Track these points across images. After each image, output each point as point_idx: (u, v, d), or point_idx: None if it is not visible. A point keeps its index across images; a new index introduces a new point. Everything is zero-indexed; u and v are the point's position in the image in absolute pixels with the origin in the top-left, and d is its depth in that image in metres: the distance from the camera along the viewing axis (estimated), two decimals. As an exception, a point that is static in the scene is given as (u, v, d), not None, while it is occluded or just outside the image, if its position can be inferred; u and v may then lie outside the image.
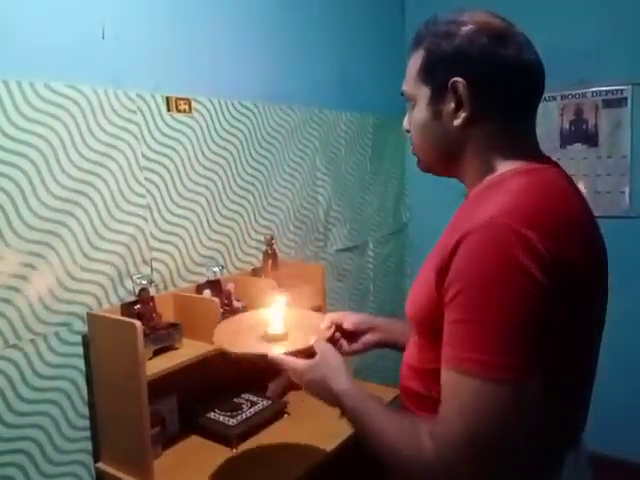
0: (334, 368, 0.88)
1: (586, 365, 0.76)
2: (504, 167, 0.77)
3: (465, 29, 0.76)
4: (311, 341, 0.95)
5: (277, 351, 0.94)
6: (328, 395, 0.86)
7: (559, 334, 0.65)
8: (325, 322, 1.06)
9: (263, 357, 0.93)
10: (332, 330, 1.04)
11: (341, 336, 1.08)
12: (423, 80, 0.81)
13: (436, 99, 0.80)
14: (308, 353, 0.93)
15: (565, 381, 0.70)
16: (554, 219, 0.67)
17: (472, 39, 0.75)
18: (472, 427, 0.62)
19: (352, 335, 1.09)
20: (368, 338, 1.09)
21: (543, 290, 0.62)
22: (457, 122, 0.78)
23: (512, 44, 0.75)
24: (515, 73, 0.75)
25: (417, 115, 0.84)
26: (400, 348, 0.99)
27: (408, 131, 0.88)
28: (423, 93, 0.81)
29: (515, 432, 0.63)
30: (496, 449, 0.63)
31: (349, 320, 1.09)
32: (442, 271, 0.70)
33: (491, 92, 0.76)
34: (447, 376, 0.66)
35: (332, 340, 1.03)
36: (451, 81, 0.76)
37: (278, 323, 1.04)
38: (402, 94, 0.88)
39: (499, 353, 0.62)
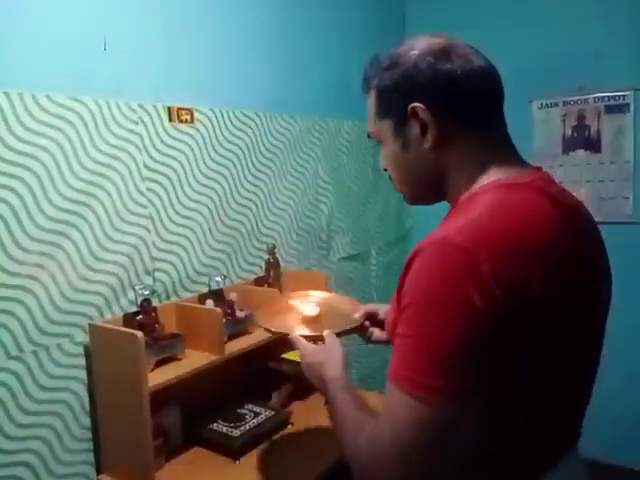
0: (332, 357, 0.93)
1: (564, 383, 0.72)
2: (482, 181, 0.76)
3: (408, 56, 0.78)
4: (324, 332, 1.02)
5: (299, 333, 1.04)
6: (319, 380, 0.91)
7: (507, 359, 0.63)
8: (359, 312, 1.16)
9: (285, 335, 1.05)
10: (362, 319, 1.15)
11: (373, 325, 1.16)
12: (382, 116, 0.83)
13: (400, 130, 0.80)
14: (322, 340, 1.01)
15: (528, 405, 0.68)
16: (510, 240, 0.65)
17: (417, 63, 0.77)
18: (398, 439, 0.64)
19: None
20: None
21: (482, 317, 0.61)
22: (427, 145, 0.78)
23: (457, 56, 0.76)
24: (467, 83, 0.75)
25: (388, 151, 0.85)
26: None
27: (385, 170, 0.89)
28: (386, 128, 0.83)
29: (442, 450, 0.63)
30: (422, 464, 0.63)
31: (383, 310, 1.15)
32: (400, 287, 0.70)
33: (450, 107, 0.76)
34: (387, 387, 0.68)
35: (361, 327, 1.15)
36: (409, 108, 0.77)
37: (313, 307, 1.20)
38: (369, 136, 0.90)
39: (430, 374, 0.62)
